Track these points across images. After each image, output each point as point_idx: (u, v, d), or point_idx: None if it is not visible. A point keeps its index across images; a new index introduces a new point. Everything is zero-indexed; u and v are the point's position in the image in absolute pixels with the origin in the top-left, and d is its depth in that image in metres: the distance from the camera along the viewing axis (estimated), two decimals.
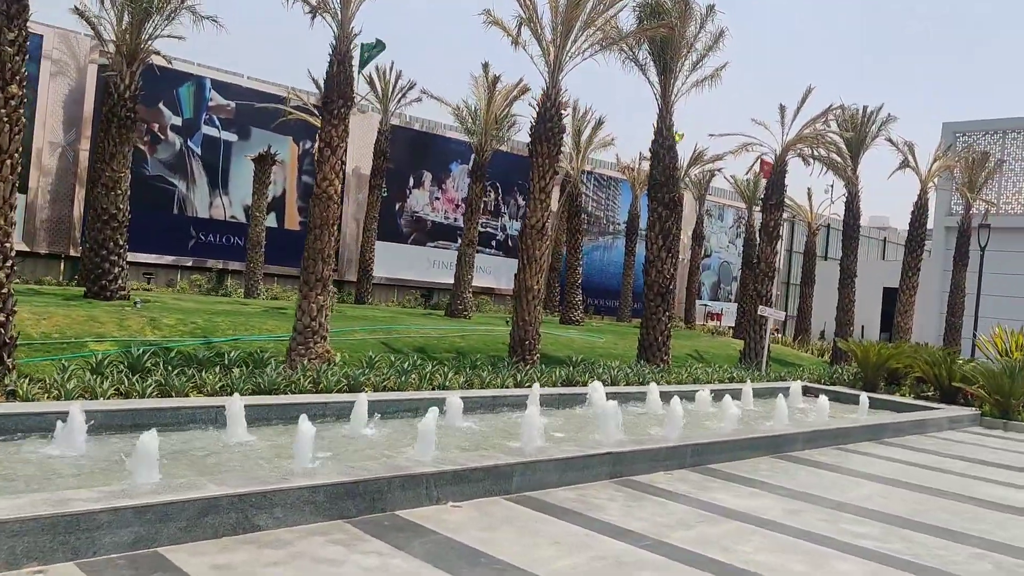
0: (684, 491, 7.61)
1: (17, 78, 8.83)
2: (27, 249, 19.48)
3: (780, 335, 30.91)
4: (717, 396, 13.14)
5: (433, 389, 10.73)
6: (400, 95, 23.04)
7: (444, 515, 6.14)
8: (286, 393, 9.28)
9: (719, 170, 29.57)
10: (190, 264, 21.94)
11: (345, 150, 11.74)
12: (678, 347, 19.83)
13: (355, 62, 11.69)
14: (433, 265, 26.33)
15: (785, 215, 34.05)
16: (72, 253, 19.88)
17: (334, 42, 11.55)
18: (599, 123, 23.64)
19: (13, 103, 8.78)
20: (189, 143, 21.86)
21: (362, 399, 8.58)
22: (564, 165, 24.37)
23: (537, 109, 14.19)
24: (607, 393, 12.07)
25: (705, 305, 34.46)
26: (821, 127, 19.51)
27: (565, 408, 11.40)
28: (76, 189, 20.02)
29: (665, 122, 16.35)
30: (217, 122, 22.33)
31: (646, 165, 22.48)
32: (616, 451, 7.89)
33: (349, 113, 11.74)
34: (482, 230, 27.09)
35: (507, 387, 11.57)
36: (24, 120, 8.96)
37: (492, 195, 27.75)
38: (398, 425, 9.07)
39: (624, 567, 5.36)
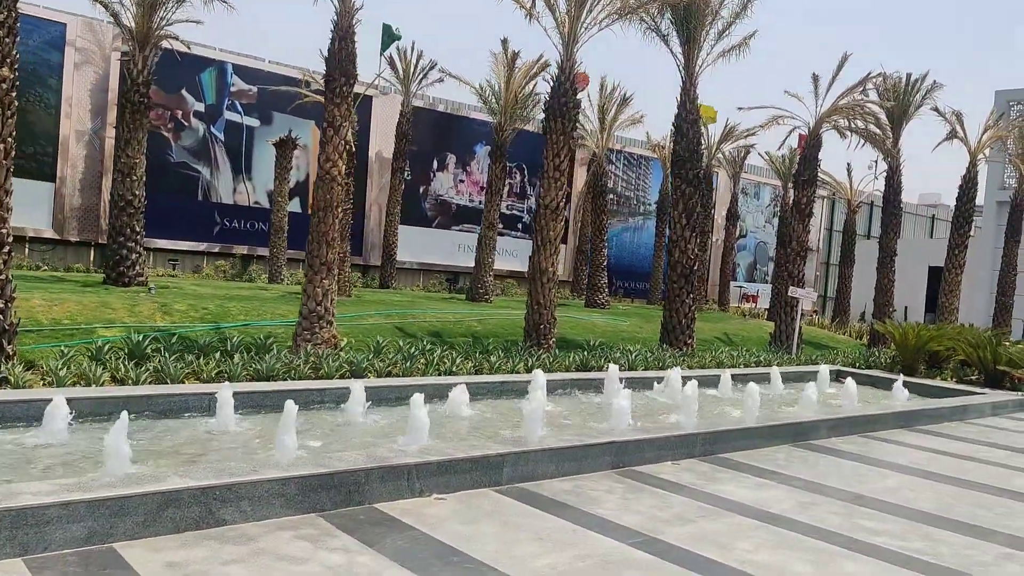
0: (689, 482, 7.20)
1: (8, 60, 8.72)
2: (57, 237, 19.79)
3: (818, 317, 29.95)
4: (742, 381, 12.64)
5: (440, 375, 10.45)
6: (421, 76, 22.70)
7: (426, 508, 5.85)
8: (285, 379, 9.08)
9: (752, 146, 28.63)
10: (216, 250, 22.05)
11: (348, 130, 11.47)
12: (707, 330, 19.26)
13: (358, 38, 11.37)
14: (458, 249, 26.05)
15: (825, 192, 32.93)
16: (100, 241, 20.11)
17: (335, 17, 11.24)
18: (625, 99, 22.97)
19: (5, 86, 8.68)
20: (212, 129, 21.89)
21: (358, 386, 8.33)
22: (589, 143, 23.81)
23: (551, 83, 13.70)
24: (622, 378, 11.72)
25: (740, 287, 33.58)
26: (859, 97, 18.55)
27: (578, 394, 11.03)
28: (103, 177, 20.21)
29: (689, 95, 15.71)
30: (239, 107, 22.32)
31: None
32: (619, 440, 7.50)
33: (352, 91, 11.44)
34: (507, 212, 26.74)
35: (517, 372, 11.23)
36: (16, 104, 8.83)
37: (518, 177, 27.32)
38: (399, 412, 8.81)
39: (608, 567, 4.99)
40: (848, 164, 31.67)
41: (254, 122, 22.59)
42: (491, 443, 6.93)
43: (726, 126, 26.29)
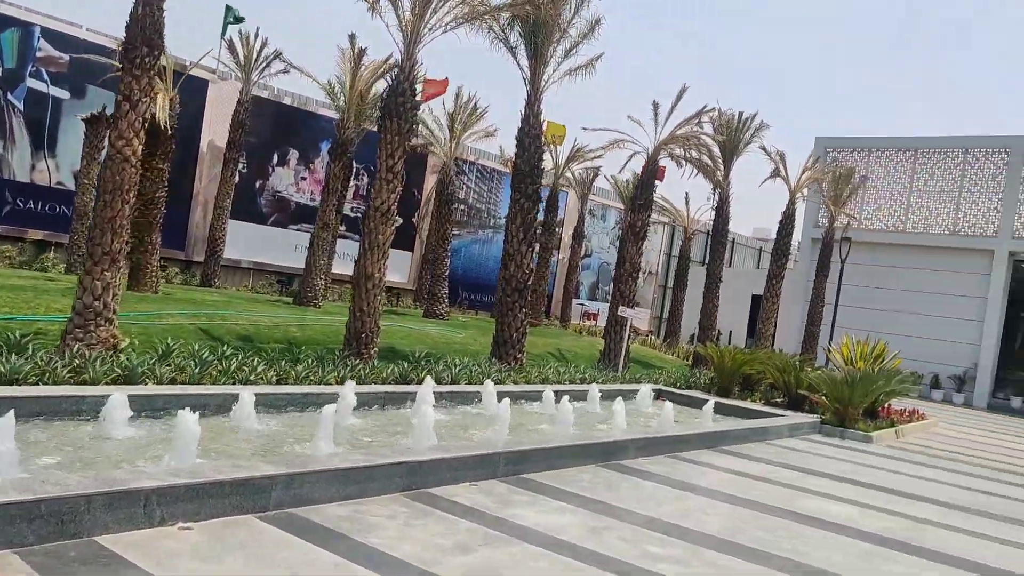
0: (483, 506, 6.77)
1: None
2: None
3: (653, 337, 31.11)
4: (571, 397, 12.52)
5: (235, 383, 9.47)
6: (264, 64, 21.33)
7: (164, 541, 5.01)
8: (37, 384, 7.81)
9: (599, 169, 29.35)
10: (3, 233, 19.42)
11: (149, 106, 10.27)
12: (541, 345, 19.27)
13: (166, 5, 10.23)
14: (295, 249, 24.62)
15: (666, 219, 34.43)
16: None
17: None
18: (475, 109, 22.72)
19: None
20: (10, 97, 19.35)
21: (120, 394, 7.28)
22: (438, 151, 23.38)
23: (389, 82, 13.09)
24: (441, 393, 11.24)
25: (582, 305, 34.32)
26: (695, 128, 19.32)
27: (391, 408, 10.41)
28: None
29: (533, 109, 15.63)
30: (46, 75, 19.90)
31: None
32: (411, 460, 6.95)
33: (156, 64, 10.25)
34: (352, 215, 25.73)
35: (327, 383, 10.45)
36: None
37: (365, 179, 26.35)
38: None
39: None
40: (686, 193, 33.23)
41: (63, 94, 20.23)
42: (260, 463, 6.16)
43: (573, 146, 26.77)
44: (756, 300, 29.29)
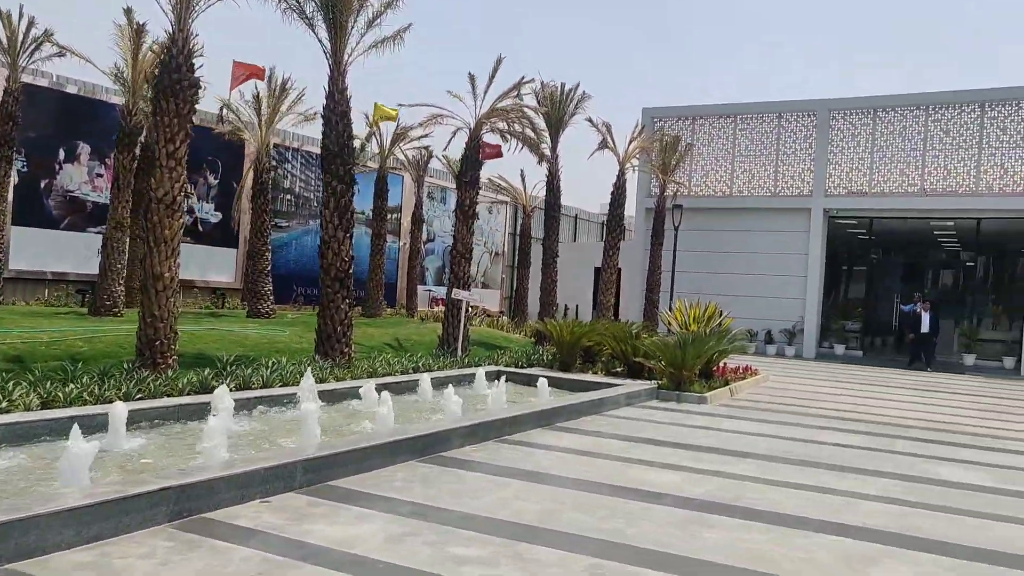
0: (269, 526, 5.86)
1: None
2: None
3: (504, 318, 30.86)
4: (396, 390, 11.75)
5: None
6: (33, 47, 18.64)
7: None
8: None
9: (430, 149, 28.52)
10: None
11: None
12: (378, 336, 18.32)
13: None
14: (98, 254, 22.02)
15: (507, 198, 34.23)
16: None
17: None
18: (285, 90, 21.12)
19: None
20: None
21: None
22: (247, 136, 21.63)
23: (161, 58, 11.56)
24: (249, 399, 10.13)
25: (429, 291, 33.52)
26: (517, 101, 18.90)
27: (185, 423, 9.16)
28: None
29: (337, 85, 14.51)
30: None
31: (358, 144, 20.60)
32: (179, 483, 5.90)
33: None
34: None
35: (110, 401, 9.00)
36: None
37: None
38: None
39: None
40: (522, 171, 33.03)
41: None
42: None
43: (398, 126, 25.72)
44: (598, 273, 29.70)
